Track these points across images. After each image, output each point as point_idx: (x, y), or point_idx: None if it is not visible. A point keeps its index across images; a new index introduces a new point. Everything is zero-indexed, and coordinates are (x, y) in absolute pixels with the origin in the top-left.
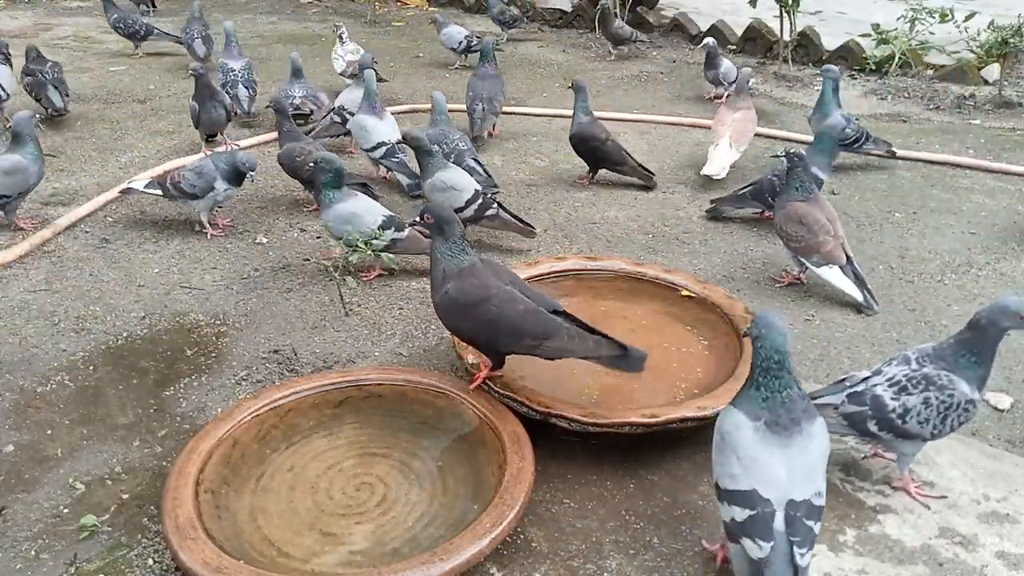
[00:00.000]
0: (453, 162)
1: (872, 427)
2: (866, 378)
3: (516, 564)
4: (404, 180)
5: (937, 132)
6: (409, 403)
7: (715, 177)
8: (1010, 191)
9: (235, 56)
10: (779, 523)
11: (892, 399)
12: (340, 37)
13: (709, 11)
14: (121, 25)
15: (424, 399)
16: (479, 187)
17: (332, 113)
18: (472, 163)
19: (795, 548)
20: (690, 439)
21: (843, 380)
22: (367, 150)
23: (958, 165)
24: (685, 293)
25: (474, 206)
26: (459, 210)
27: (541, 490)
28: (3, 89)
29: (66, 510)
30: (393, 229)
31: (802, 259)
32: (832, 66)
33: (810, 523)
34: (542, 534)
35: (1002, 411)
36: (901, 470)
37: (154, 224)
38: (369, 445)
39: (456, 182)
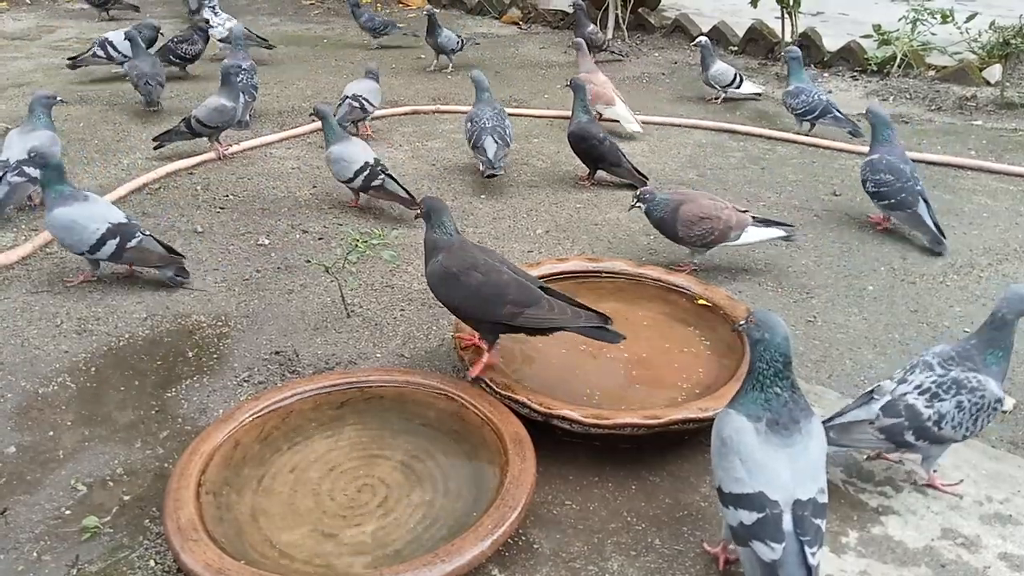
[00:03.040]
0: (474, 137)
1: (910, 437)
2: (893, 389)
3: (518, 565)
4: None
5: (939, 133)
6: (411, 404)
7: (640, 131)
8: (1012, 192)
9: (240, 59)
10: (787, 524)
11: (926, 407)
12: (213, 9)
13: (711, 12)
14: None
15: (426, 400)
16: (371, 160)
17: (349, 100)
18: (489, 141)
19: (806, 548)
20: (692, 440)
21: (870, 393)
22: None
23: (960, 166)
24: (701, 301)
25: (362, 176)
26: (349, 180)
27: (543, 491)
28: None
29: (68, 511)
30: (119, 238)
31: (721, 244)
32: (794, 47)
33: (818, 521)
34: (544, 535)
35: (1005, 412)
36: (927, 470)
37: (156, 228)
38: (371, 446)
39: (347, 155)
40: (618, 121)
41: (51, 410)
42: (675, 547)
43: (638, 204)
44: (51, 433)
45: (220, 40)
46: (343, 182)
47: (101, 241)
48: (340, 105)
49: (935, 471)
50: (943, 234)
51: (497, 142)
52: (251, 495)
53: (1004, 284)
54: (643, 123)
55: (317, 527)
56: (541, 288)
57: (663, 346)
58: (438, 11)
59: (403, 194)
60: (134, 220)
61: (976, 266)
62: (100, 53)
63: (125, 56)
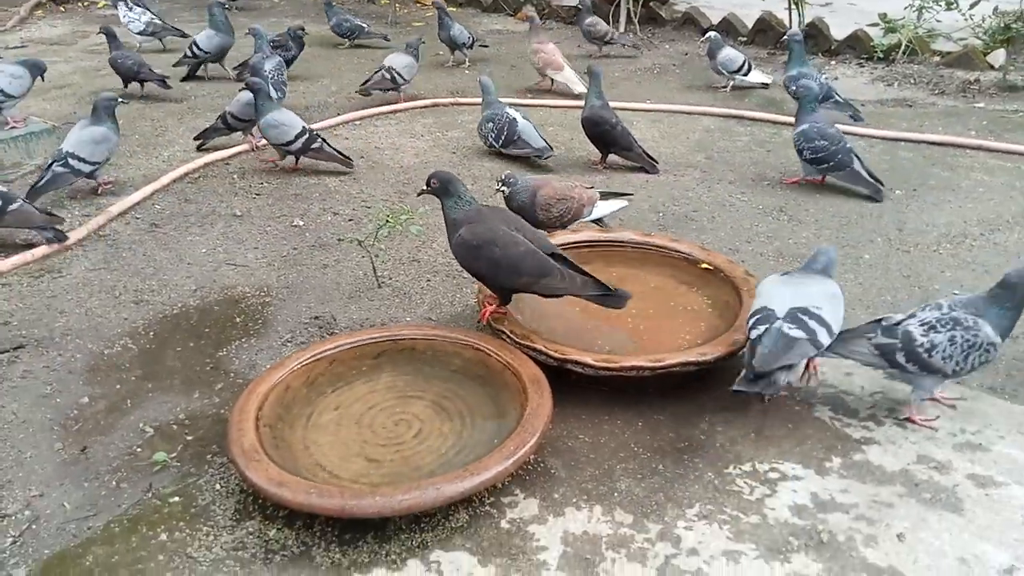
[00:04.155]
0: (506, 133)
1: (900, 359)
2: (900, 320)
3: (537, 487)
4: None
5: (941, 115)
6: (440, 354)
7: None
8: (1008, 169)
9: (266, 56)
10: (779, 320)
11: (922, 335)
12: (126, 3)
13: (721, 4)
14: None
15: (453, 351)
16: (306, 126)
17: (383, 71)
18: (526, 129)
19: (785, 326)
20: (692, 385)
21: (880, 320)
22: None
23: (959, 145)
24: (704, 266)
25: (302, 140)
26: (289, 143)
27: (558, 428)
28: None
29: (139, 449)
30: (1, 202)
31: (577, 221)
32: (797, 31)
33: (804, 318)
34: (560, 463)
35: None
36: (913, 401)
37: (197, 212)
38: (405, 389)
39: (284, 120)
40: (567, 84)
41: (117, 367)
42: (676, 471)
43: (503, 188)
44: (118, 386)
45: (138, 34)
46: (281, 145)
47: None
48: (376, 73)
49: (915, 406)
50: (880, 182)
51: (533, 127)
52: (302, 429)
53: (995, 252)
54: (655, 111)
55: (360, 453)
56: (553, 255)
57: (668, 304)
58: (454, 9)
59: (338, 156)
60: (14, 191)
61: (969, 236)
62: (188, 53)
63: (206, 52)
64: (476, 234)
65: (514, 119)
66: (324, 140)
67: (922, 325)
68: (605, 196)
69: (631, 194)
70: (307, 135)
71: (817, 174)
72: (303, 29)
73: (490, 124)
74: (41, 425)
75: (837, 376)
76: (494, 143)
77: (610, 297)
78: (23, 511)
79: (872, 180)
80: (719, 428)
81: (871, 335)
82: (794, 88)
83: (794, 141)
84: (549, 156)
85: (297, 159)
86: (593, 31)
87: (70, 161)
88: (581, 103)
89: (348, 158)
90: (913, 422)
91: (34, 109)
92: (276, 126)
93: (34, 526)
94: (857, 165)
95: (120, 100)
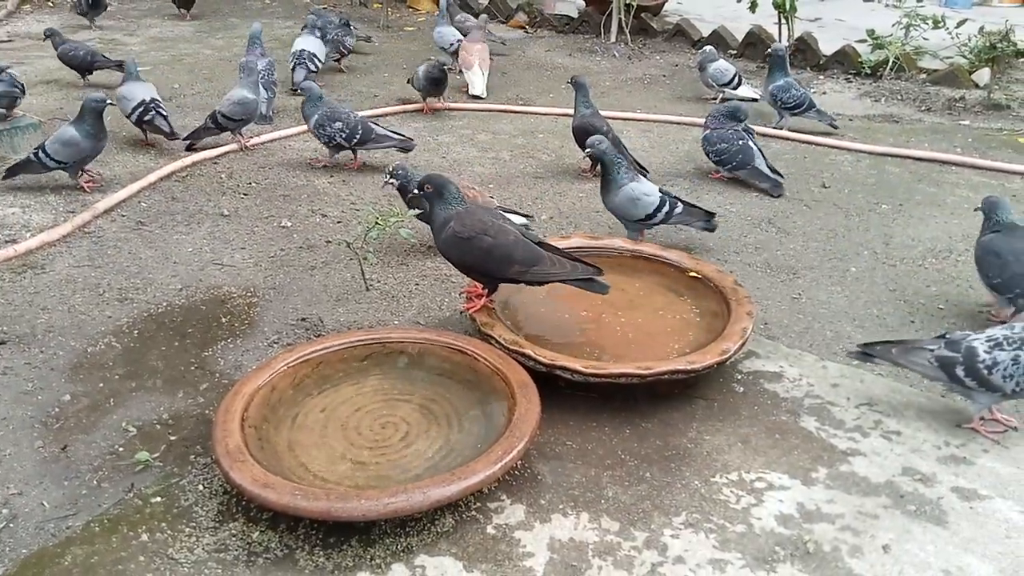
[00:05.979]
0: (361, 130)
1: (960, 373)
2: (965, 336)
3: (524, 493)
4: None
5: (927, 132)
6: (428, 358)
7: (483, 96)
8: (992, 186)
9: (257, 56)
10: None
11: (985, 352)
12: None
13: (712, 18)
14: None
15: (442, 354)
16: (147, 98)
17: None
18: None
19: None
20: (680, 393)
21: (944, 335)
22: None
23: (945, 162)
24: (692, 274)
25: (138, 112)
26: (128, 115)
27: (546, 434)
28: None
29: (121, 448)
30: None
31: None
32: (779, 44)
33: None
34: (547, 469)
35: None
36: (975, 414)
37: (184, 211)
38: (392, 392)
39: (130, 93)
40: (469, 83)
41: (100, 366)
42: (664, 479)
43: (391, 180)
44: (101, 385)
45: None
46: (127, 118)
47: None
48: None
49: (976, 417)
50: (781, 176)
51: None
52: (287, 430)
53: None
54: (644, 121)
55: (347, 456)
56: (539, 244)
57: (657, 313)
58: (445, 17)
59: (166, 128)
60: None
61: (954, 251)
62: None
63: (320, 64)
64: (466, 225)
65: (364, 117)
66: (158, 112)
67: (988, 342)
68: (508, 211)
69: (531, 216)
70: (143, 107)
71: (724, 172)
72: (349, 21)
73: (337, 124)
74: (22, 422)
75: (823, 387)
76: (344, 143)
77: (595, 282)
78: (1, 509)
79: (772, 176)
80: (706, 437)
81: (933, 348)
82: (782, 97)
83: (701, 146)
84: (414, 147)
85: (145, 132)
86: (464, 28)
87: (39, 153)
88: (571, 111)
89: (173, 132)
90: (977, 431)
91: (21, 104)
92: (121, 98)
93: (12, 524)
94: (759, 162)
95: (108, 102)
